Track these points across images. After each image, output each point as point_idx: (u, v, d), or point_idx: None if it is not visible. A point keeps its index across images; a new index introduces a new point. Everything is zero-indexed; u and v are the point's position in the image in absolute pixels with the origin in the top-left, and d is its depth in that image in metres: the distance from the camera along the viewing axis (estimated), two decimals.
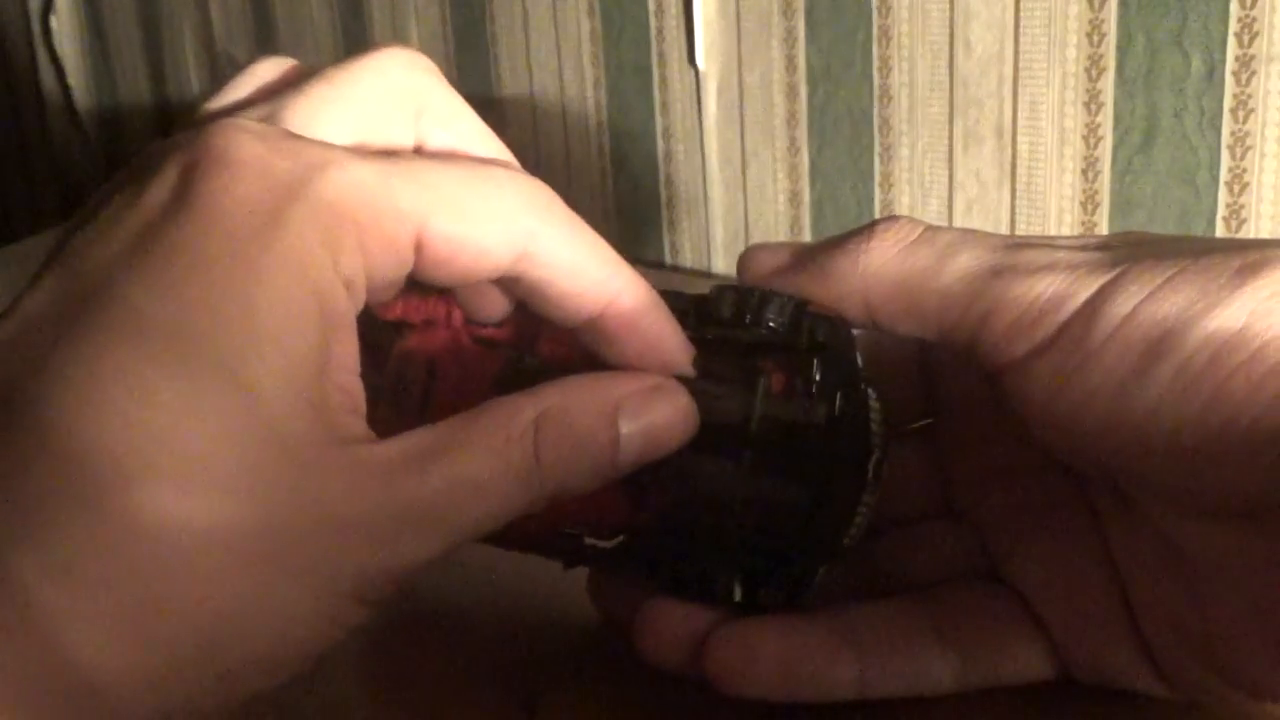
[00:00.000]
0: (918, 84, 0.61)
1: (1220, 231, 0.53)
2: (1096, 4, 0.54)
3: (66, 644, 0.20)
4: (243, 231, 0.22)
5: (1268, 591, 0.24)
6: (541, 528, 0.29)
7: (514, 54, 0.79)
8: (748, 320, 0.28)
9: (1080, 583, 0.28)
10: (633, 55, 0.72)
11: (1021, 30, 0.56)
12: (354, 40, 0.91)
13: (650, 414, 0.26)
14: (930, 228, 0.28)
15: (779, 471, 0.27)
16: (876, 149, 0.63)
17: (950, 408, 0.32)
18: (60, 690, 0.20)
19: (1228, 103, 0.51)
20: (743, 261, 0.30)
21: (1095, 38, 0.54)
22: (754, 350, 0.28)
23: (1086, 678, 0.29)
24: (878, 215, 0.64)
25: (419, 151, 0.27)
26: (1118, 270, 0.25)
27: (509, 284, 0.27)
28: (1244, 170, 0.52)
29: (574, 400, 0.25)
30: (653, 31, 0.71)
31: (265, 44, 0.99)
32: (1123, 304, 0.24)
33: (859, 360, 0.28)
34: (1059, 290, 0.25)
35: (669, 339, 0.27)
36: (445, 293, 0.30)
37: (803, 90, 0.65)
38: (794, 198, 0.68)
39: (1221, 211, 0.53)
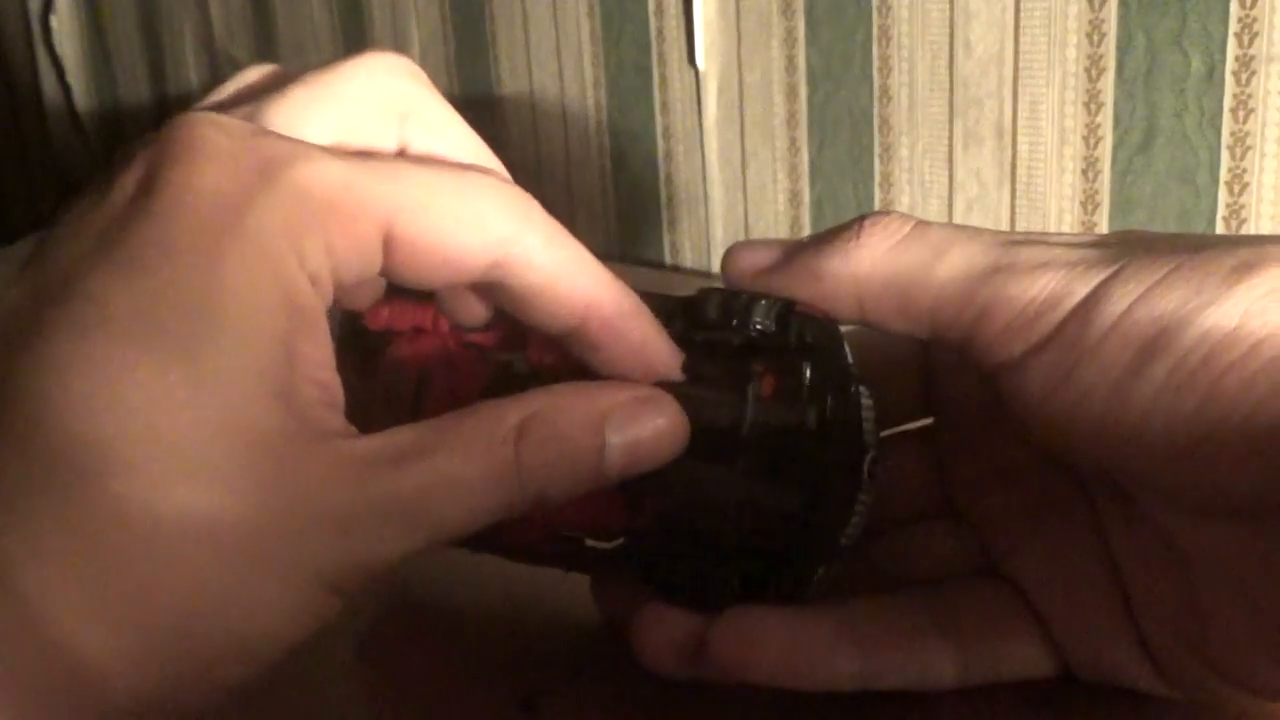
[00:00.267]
0: (918, 84, 0.61)
1: (1220, 231, 0.53)
2: (1096, 4, 0.54)
3: (52, 626, 0.20)
4: (206, 222, 0.22)
5: (1264, 590, 0.24)
6: (540, 532, 0.29)
7: (514, 54, 0.79)
8: (735, 323, 0.28)
9: (1080, 580, 0.28)
10: (633, 55, 0.72)
11: (1021, 30, 0.56)
12: (354, 40, 0.91)
13: (638, 426, 0.26)
14: (920, 223, 0.27)
15: (773, 475, 0.27)
16: (876, 149, 0.63)
17: (950, 406, 0.32)
18: (46, 670, 0.20)
19: (1228, 103, 0.51)
20: (727, 260, 0.30)
21: (1095, 38, 0.54)
22: (743, 353, 0.28)
23: (1086, 675, 0.29)
24: None
25: (401, 156, 0.27)
26: (1113, 268, 0.25)
27: (488, 290, 0.27)
28: (1244, 170, 0.52)
29: (560, 407, 0.25)
30: (653, 31, 0.71)
31: (265, 44, 0.99)
32: (1118, 302, 0.24)
33: (850, 359, 0.27)
34: (1055, 289, 0.25)
35: (654, 344, 0.27)
36: (431, 299, 0.30)
37: (803, 90, 0.65)
38: (794, 198, 0.68)
39: (1221, 211, 0.53)
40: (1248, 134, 0.51)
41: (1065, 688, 0.29)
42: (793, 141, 0.67)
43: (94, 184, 0.24)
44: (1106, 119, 0.55)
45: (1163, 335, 0.24)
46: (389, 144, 0.27)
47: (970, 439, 0.31)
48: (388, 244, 0.24)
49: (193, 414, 0.21)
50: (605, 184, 0.77)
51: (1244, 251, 0.24)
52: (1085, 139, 0.56)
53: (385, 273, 0.25)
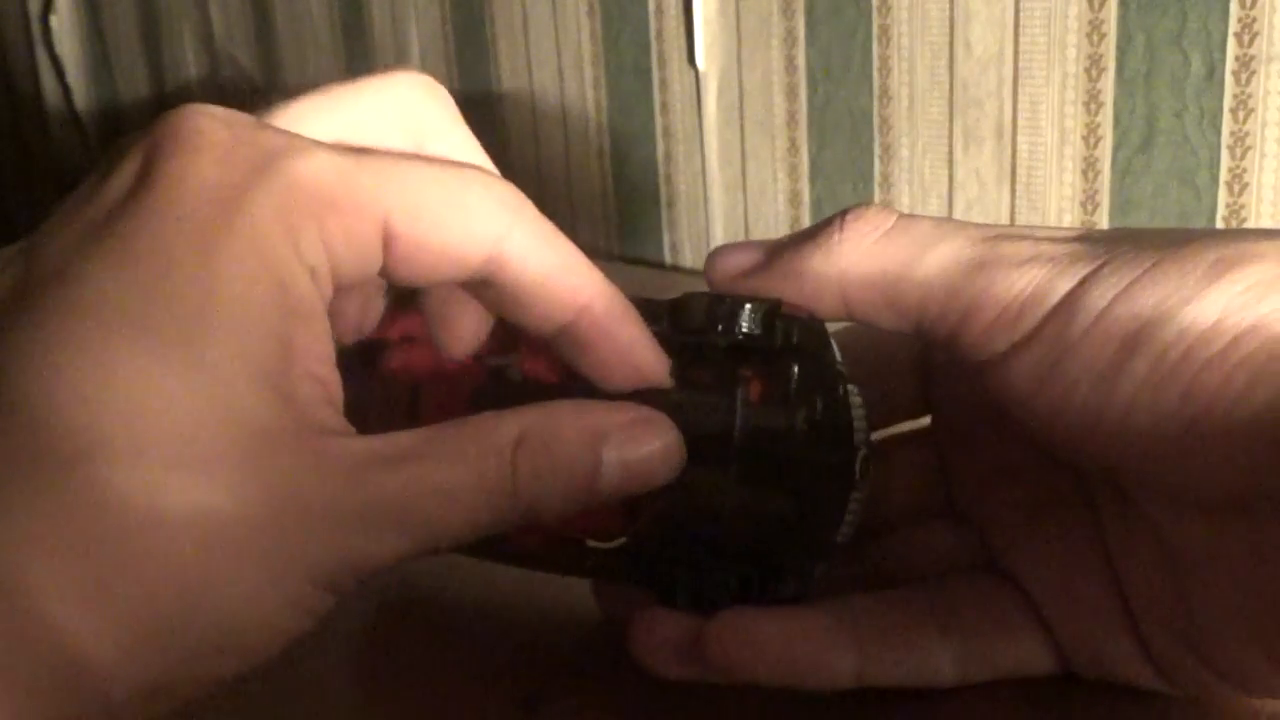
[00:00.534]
0: (918, 84, 0.61)
1: None
2: (1096, 4, 0.54)
3: (40, 613, 0.20)
4: (201, 213, 0.22)
5: (1252, 583, 0.24)
6: (539, 536, 0.29)
7: (514, 54, 0.79)
8: (720, 328, 0.27)
9: (1078, 577, 0.28)
10: (632, 55, 0.72)
11: (1021, 30, 0.56)
12: (354, 40, 0.91)
13: (635, 446, 0.25)
14: (904, 217, 0.27)
15: (764, 478, 0.27)
16: (876, 149, 0.63)
17: (949, 404, 0.32)
18: (36, 657, 0.20)
19: (1228, 103, 0.51)
20: (710, 264, 0.29)
21: (1095, 38, 0.54)
22: (729, 358, 0.27)
23: (1085, 671, 0.29)
24: None
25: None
26: (1095, 264, 0.25)
27: (480, 290, 0.27)
28: (1244, 170, 0.52)
29: (558, 423, 0.25)
30: (653, 32, 0.71)
31: (265, 44, 0.99)
32: (1099, 298, 0.24)
33: (837, 359, 0.27)
34: (1040, 284, 0.25)
35: (642, 347, 0.27)
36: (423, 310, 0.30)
37: (803, 90, 0.65)
38: (794, 198, 0.68)
39: (1221, 211, 0.53)
40: (1248, 134, 0.51)
41: (1065, 687, 0.29)
42: (793, 141, 0.67)
43: (91, 174, 0.24)
44: (1106, 119, 0.55)
45: (1144, 330, 0.24)
46: None
47: (969, 436, 0.32)
48: (386, 239, 0.24)
49: (184, 404, 0.21)
50: (605, 184, 0.77)
51: (1225, 247, 0.24)
52: (1085, 139, 0.56)
53: (384, 270, 0.25)
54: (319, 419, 0.23)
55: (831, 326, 0.28)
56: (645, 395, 0.27)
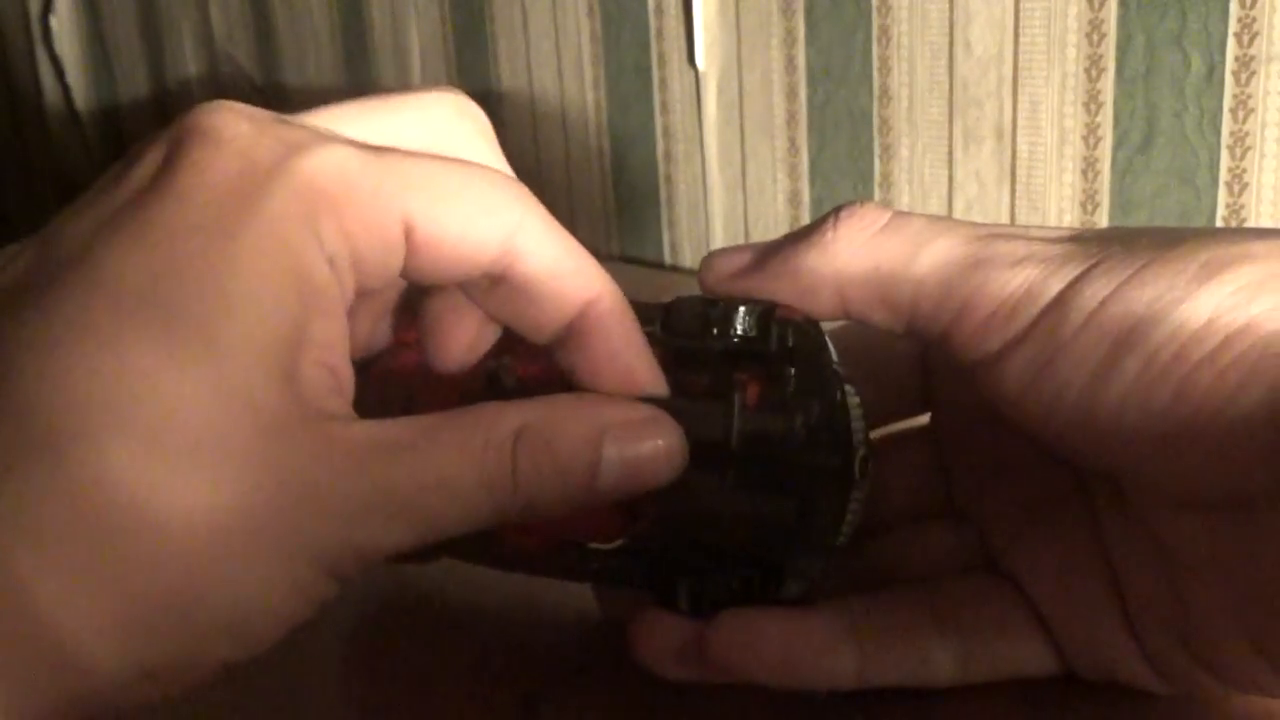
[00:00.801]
0: (918, 84, 0.61)
1: None
2: (1096, 4, 0.54)
3: (35, 598, 0.20)
4: (221, 204, 0.22)
5: (1246, 583, 0.24)
6: (537, 538, 0.29)
7: (514, 54, 0.79)
8: (715, 331, 0.27)
9: (1076, 576, 0.29)
10: (632, 55, 0.72)
11: (1021, 30, 0.56)
12: (354, 40, 0.91)
13: (637, 446, 0.25)
14: (897, 214, 0.27)
15: (764, 481, 0.27)
16: (876, 149, 0.63)
17: (949, 403, 0.32)
18: (27, 643, 0.20)
19: (1227, 103, 0.51)
20: (704, 269, 0.29)
21: (1095, 38, 0.54)
22: (726, 361, 0.27)
23: (1084, 672, 0.29)
24: None
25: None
26: (1088, 264, 0.25)
27: (487, 292, 0.26)
28: (1244, 170, 0.52)
29: (560, 418, 0.25)
30: (652, 32, 0.71)
31: (265, 44, 0.99)
32: (1092, 297, 0.24)
33: (834, 360, 0.27)
34: (1033, 284, 0.25)
35: (641, 353, 0.27)
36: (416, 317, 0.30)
37: (802, 90, 0.65)
38: (794, 198, 0.68)
39: (1221, 211, 0.53)
40: (1247, 134, 0.51)
41: (1065, 687, 0.29)
42: (792, 141, 0.67)
43: (116, 165, 0.24)
44: (1106, 119, 0.55)
45: (1135, 330, 0.24)
46: None
47: (969, 435, 0.32)
48: (407, 233, 0.24)
49: (192, 389, 0.21)
50: (605, 184, 0.77)
51: (1217, 248, 0.24)
52: (1085, 139, 0.56)
53: (406, 269, 0.25)
54: (328, 407, 0.23)
55: (828, 325, 0.28)
56: (644, 399, 0.27)
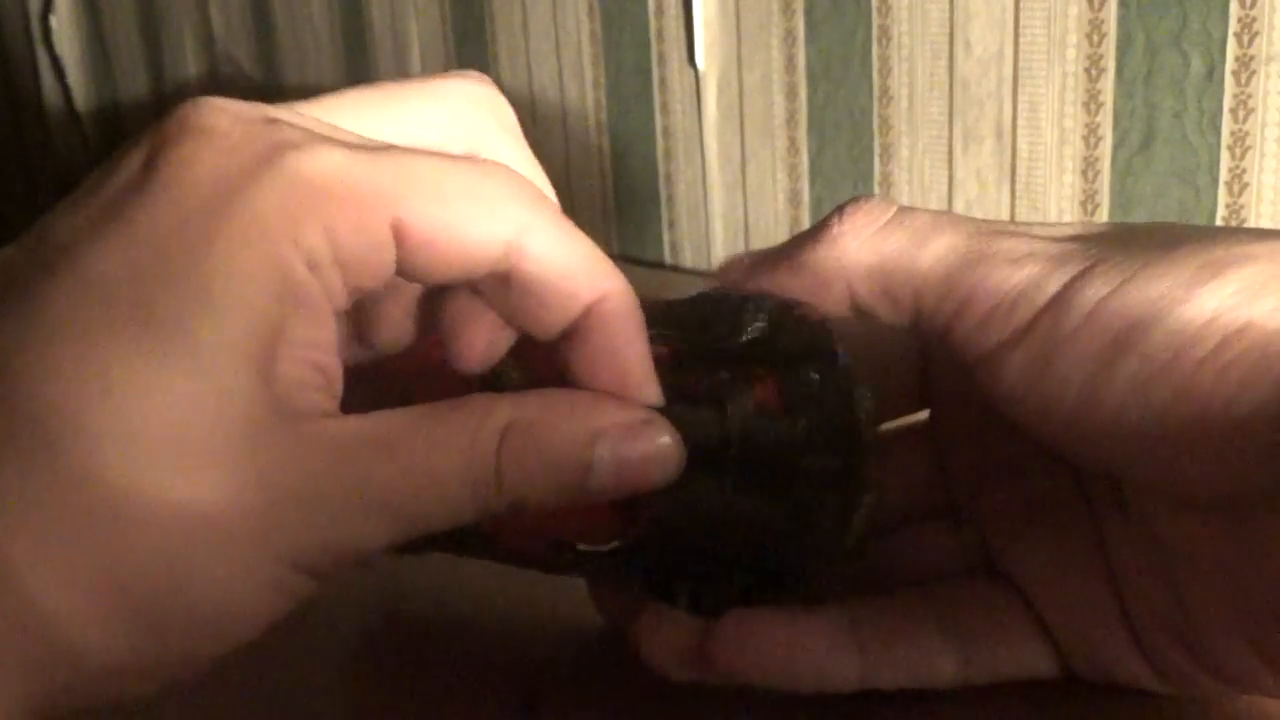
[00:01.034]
0: (918, 84, 0.61)
1: None
2: (1096, 4, 0.54)
3: (27, 590, 0.20)
4: (203, 201, 0.22)
5: (1243, 584, 0.24)
6: (528, 538, 0.29)
7: (514, 54, 0.79)
8: (730, 328, 0.27)
9: (1076, 576, 0.29)
10: (632, 56, 0.72)
11: (1021, 30, 0.56)
12: (354, 40, 0.91)
13: (630, 448, 0.25)
14: (902, 209, 0.27)
15: (774, 481, 0.27)
16: (876, 149, 0.63)
17: (948, 402, 0.32)
18: (18, 631, 0.21)
19: (1227, 103, 0.51)
20: (721, 267, 0.29)
21: (1095, 38, 0.54)
22: (740, 358, 0.27)
23: (1085, 673, 0.29)
24: None
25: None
26: (1088, 263, 0.25)
27: (495, 289, 0.26)
28: (1244, 170, 0.52)
29: (550, 416, 0.25)
30: (652, 32, 0.71)
31: (265, 44, 0.99)
32: (1092, 296, 0.24)
33: (848, 360, 0.27)
34: (1033, 280, 0.25)
35: (642, 359, 0.26)
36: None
37: (802, 90, 0.65)
38: (794, 198, 0.68)
39: (1221, 211, 0.53)
40: (1247, 134, 0.51)
41: (1065, 687, 0.29)
42: (793, 141, 0.67)
43: (104, 163, 0.24)
44: (1106, 119, 0.55)
45: (1135, 330, 0.24)
46: None
47: (969, 434, 0.32)
48: (399, 234, 0.24)
49: (172, 388, 0.21)
50: (605, 184, 0.77)
51: (1217, 248, 0.24)
52: (1085, 139, 0.56)
53: (401, 268, 0.25)
54: (309, 405, 0.23)
55: None
56: (661, 388, 0.27)
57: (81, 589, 0.21)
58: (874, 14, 0.61)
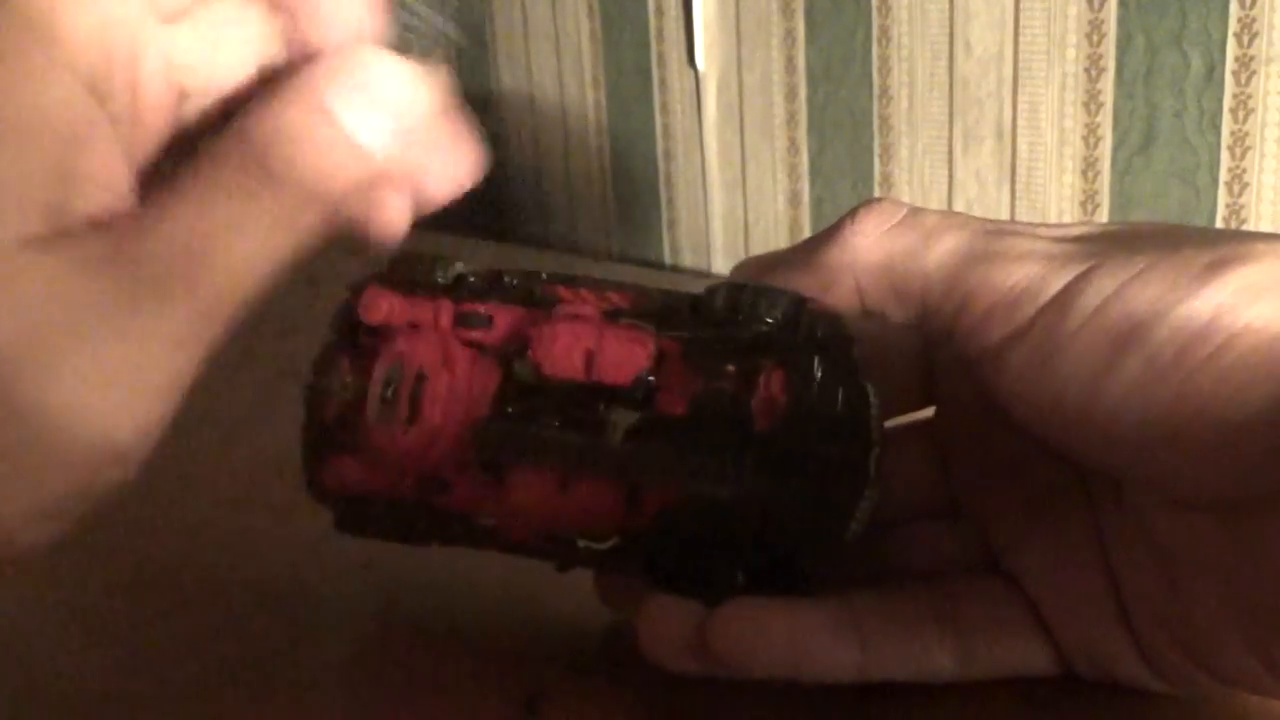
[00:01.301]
0: (918, 84, 0.61)
1: None
2: (1096, 4, 0.54)
3: None
4: None
5: (1242, 584, 0.24)
6: (533, 532, 0.29)
7: (514, 54, 0.79)
8: (743, 318, 0.28)
9: (1075, 574, 0.29)
10: (632, 56, 0.72)
11: (1021, 30, 0.56)
12: None
13: (352, 76, 0.22)
14: (913, 209, 0.28)
15: (780, 470, 0.27)
16: (876, 149, 0.63)
17: (952, 399, 0.32)
18: None
19: (1227, 103, 0.51)
20: (736, 266, 0.30)
21: (1095, 38, 0.54)
22: (752, 348, 0.28)
23: (1083, 670, 0.29)
24: None
25: None
26: (1090, 262, 0.25)
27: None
28: (1244, 170, 0.52)
29: (275, 104, 0.22)
30: (652, 32, 0.71)
31: None
32: (1092, 296, 0.25)
33: (858, 356, 0.28)
34: (1035, 279, 0.25)
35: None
36: (434, 296, 0.30)
37: (802, 90, 0.65)
38: (794, 198, 0.68)
39: (1221, 211, 0.53)
40: (1247, 134, 0.51)
41: (1065, 687, 0.29)
42: (792, 141, 0.67)
43: None
44: (1106, 119, 0.55)
45: (1137, 329, 0.24)
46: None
47: (971, 433, 0.32)
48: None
49: None
50: (605, 184, 0.77)
51: (1219, 249, 0.24)
52: (1085, 139, 0.56)
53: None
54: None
55: None
56: (673, 382, 0.27)
57: None
58: (874, 14, 0.61)
